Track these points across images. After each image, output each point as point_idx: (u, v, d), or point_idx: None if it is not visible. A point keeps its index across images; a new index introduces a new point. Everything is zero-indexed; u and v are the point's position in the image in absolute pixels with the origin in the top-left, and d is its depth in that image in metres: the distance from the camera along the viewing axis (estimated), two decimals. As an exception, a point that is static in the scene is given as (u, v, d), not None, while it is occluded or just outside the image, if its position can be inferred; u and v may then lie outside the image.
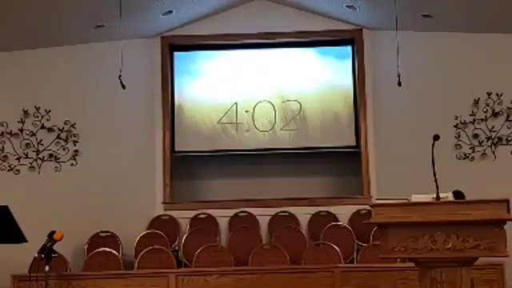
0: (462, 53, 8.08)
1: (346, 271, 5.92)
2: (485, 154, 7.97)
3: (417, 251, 3.79)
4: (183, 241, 7.39)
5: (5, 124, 7.90)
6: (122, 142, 8.08)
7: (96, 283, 5.89)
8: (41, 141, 7.97)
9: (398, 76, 6.57)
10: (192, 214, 7.97)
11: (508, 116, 8.00)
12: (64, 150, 8.00)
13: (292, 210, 7.98)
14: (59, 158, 7.98)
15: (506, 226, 3.75)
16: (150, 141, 8.17)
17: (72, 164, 7.98)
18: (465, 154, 7.99)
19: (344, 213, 7.88)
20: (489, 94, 8.02)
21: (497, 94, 8.00)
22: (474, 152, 7.99)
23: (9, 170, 7.84)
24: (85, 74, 8.10)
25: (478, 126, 8.03)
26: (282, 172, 8.47)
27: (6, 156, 7.87)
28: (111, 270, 6.32)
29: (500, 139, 7.97)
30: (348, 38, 8.42)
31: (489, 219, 3.70)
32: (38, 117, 7.99)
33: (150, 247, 6.68)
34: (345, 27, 8.33)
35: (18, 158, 7.89)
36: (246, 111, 8.38)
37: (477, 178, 7.49)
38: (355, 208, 7.88)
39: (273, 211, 7.98)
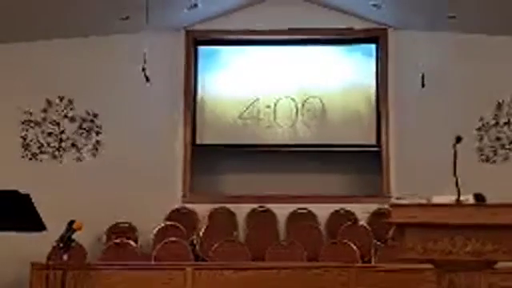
0: (487, 55, 7.96)
1: (363, 270, 5.90)
2: (507, 157, 7.88)
3: (435, 253, 3.76)
4: (201, 234, 7.41)
5: (28, 113, 7.97)
6: (144, 133, 8.10)
7: (113, 274, 5.93)
8: (63, 130, 8.03)
9: (422, 77, 6.51)
10: (210, 207, 8.00)
11: (532, 119, 7.92)
12: (86, 139, 8.06)
13: (310, 207, 7.96)
14: (81, 148, 8.04)
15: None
16: (171, 134, 8.20)
17: (93, 154, 8.04)
18: (487, 157, 7.91)
19: (363, 211, 7.84)
20: (513, 98, 7.95)
21: (521, 98, 7.93)
22: (496, 155, 7.91)
23: (30, 159, 7.92)
24: (108, 65, 8.12)
25: (500, 129, 7.94)
26: (302, 169, 8.44)
27: (28, 144, 7.95)
28: (128, 261, 6.37)
29: (523, 143, 7.90)
30: (372, 37, 8.36)
31: (510, 223, 3.66)
32: (61, 107, 8.05)
33: (168, 240, 6.72)
34: (369, 26, 8.27)
35: (40, 147, 7.97)
36: (268, 107, 8.38)
37: (498, 182, 7.37)
38: (374, 207, 7.83)
39: (291, 208, 7.97)
